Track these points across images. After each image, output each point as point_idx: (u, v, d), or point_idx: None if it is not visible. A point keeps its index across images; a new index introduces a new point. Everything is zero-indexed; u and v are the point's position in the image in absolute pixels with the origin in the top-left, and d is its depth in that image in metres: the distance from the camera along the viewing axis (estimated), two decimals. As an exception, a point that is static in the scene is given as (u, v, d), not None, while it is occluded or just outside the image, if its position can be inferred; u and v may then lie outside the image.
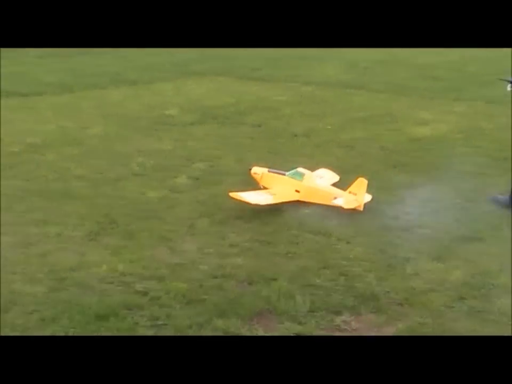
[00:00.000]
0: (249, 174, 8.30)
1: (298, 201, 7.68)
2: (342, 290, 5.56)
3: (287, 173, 8.07)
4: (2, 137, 10.77)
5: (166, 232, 6.73)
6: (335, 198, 7.59)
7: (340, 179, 8.43)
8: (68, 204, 7.52)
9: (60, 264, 5.88)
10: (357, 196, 7.44)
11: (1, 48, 25.29)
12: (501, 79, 8.21)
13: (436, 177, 8.63)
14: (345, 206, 7.37)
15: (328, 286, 5.61)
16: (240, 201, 7.28)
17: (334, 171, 8.78)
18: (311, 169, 8.32)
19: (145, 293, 5.37)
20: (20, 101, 14.65)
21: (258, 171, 8.20)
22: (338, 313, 5.16)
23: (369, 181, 7.65)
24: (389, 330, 4.94)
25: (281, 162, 9.40)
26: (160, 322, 4.92)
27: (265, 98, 15.53)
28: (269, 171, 8.17)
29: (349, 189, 7.55)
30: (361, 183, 7.46)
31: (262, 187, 8.09)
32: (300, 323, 4.99)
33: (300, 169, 8.12)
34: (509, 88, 7.73)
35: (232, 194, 7.36)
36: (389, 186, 8.27)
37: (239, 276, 5.78)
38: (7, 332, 4.70)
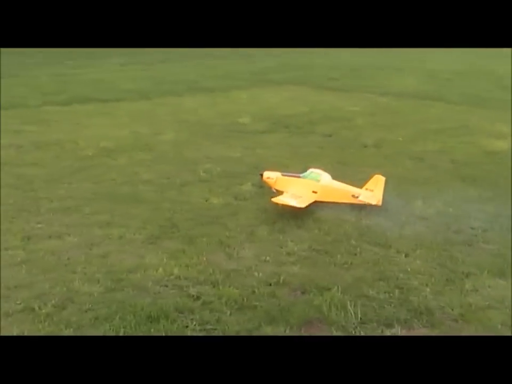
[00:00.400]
0: (261, 179, 8.28)
1: (316, 201, 7.70)
2: (395, 303, 5.47)
3: (301, 175, 8.12)
4: (78, 141, 11.13)
5: (225, 238, 6.78)
6: (353, 195, 7.70)
7: (405, 189, 8.36)
8: (133, 207, 7.67)
9: (119, 266, 6.01)
10: (374, 191, 7.64)
11: (87, 57, 26.24)
12: None
13: (506, 192, 8.39)
14: (366, 201, 7.52)
15: (382, 298, 5.53)
16: (284, 205, 7.41)
17: (402, 182, 8.69)
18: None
19: (197, 297, 5.43)
20: (99, 106, 15.09)
21: (271, 175, 8.19)
22: (389, 325, 5.09)
23: (436, 193, 7.55)
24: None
25: (350, 172, 9.39)
26: (209, 327, 4.97)
27: (339, 108, 15.47)
28: (282, 175, 8.20)
29: (366, 186, 7.75)
30: (377, 180, 7.69)
31: (275, 191, 8.08)
32: (349, 334, 4.93)
33: (315, 170, 8.15)
34: None
35: (274, 199, 7.49)
36: (455, 199, 8.08)
37: (293, 284, 5.77)
38: (61, 328, 4.84)
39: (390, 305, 5.43)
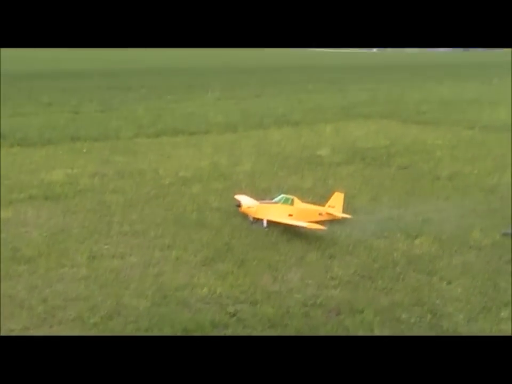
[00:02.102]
0: (238, 210, 8.65)
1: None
2: (425, 327, 5.62)
3: (274, 200, 8.67)
4: (158, 171, 11.78)
5: (275, 262, 7.12)
6: (320, 213, 8.63)
7: (465, 220, 8.50)
8: (195, 232, 8.13)
9: (168, 284, 6.46)
10: (335, 207, 8.74)
11: (187, 91, 27.25)
12: None
13: None
14: (339, 215, 8.62)
15: (412, 322, 5.70)
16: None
17: (465, 213, 8.91)
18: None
19: (234, 314, 5.78)
20: (186, 138, 15.83)
21: (251, 204, 8.60)
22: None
23: (496, 225, 7.82)
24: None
25: (415, 202, 9.61)
26: (239, 341, 5.28)
27: (421, 141, 15.54)
28: (260, 203, 8.62)
29: (328, 204, 8.79)
30: (338, 197, 8.79)
31: (252, 219, 8.48)
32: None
33: (285, 195, 8.67)
34: None
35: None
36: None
37: (329, 306, 6.02)
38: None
39: (419, 329, 5.59)
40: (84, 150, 14.07)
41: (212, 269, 6.91)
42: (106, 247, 7.61)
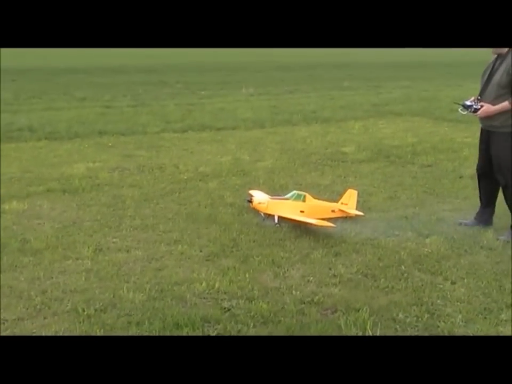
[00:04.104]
0: (249, 206, 8.54)
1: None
2: (420, 327, 5.53)
3: (287, 196, 8.56)
4: (179, 166, 11.84)
5: (279, 258, 7.08)
6: (332, 210, 8.54)
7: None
8: (204, 227, 8.13)
9: (169, 278, 6.47)
10: (348, 204, 8.60)
11: (221, 87, 27.38)
12: (455, 103, 8.52)
13: None
14: (352, 213, 8.52)
15: (408, 322, 5.61)
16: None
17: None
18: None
19: (228, 310, 5.77)
20: (212, 134, 15.87)
21: (262, 200, 8.45)
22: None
23: None
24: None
25: (432, 201, 9.50)
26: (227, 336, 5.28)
27: (450, 139, 15.33)
28: (271, 198, 8.52)
29: (341, 201, 8.65)
30: (351, 193, 8.63)
31: (264, 215, 8.37)
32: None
33: (297, 192, 8.57)
34: (461, 111, 8.19)
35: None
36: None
37: (326, 304, 5.97)
38: (95, 328, 5.35)
39: (414, 329, 5.50)
40: (110, 144, 14.21)
41: (214, 264, 6.90)
42: (114, 240, 7.66)
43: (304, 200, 8.48)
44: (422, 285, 6.42)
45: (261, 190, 9.38)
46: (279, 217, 8.24)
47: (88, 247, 7.32)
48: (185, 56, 50.72)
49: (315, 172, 11.65)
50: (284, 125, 17.43)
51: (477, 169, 8.52)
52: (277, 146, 14.22)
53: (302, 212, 8.35)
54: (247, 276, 6.57)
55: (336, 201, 8.80)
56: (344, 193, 8.81)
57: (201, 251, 7.31)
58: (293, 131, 16.58)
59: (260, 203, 8.42)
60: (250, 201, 8.52)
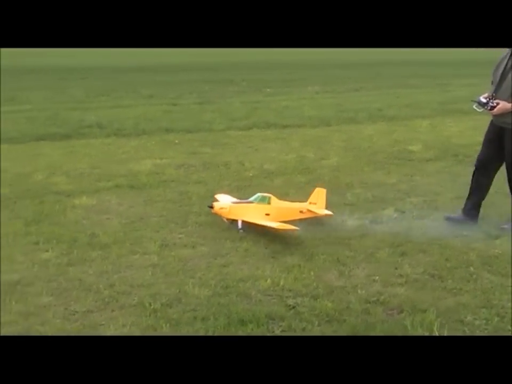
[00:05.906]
0: (212, 212, 8.12)
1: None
2: (489, 330, 5.41)
3: (251, 199, 8.19)
4: (244, 163, 11.89)
5: (344, 257, 7.03)
6: (301, 211, 8.12)
7: None
8: (270, 224, 8.12)
9: (234, 274, 6.51)
10: (317, 204, 8.18)
11: (286, 85, 27.40)
12: (472, 100, 8.50)
13: None
14: (321, 213, 8.13)
15: (477, 324, 5.50)
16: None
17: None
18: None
19: (293, 307, 5.77)
20: (277, 132, 15.87)
21: (224, 205, 8.07)
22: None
23: None
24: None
25: (503, 202, 9.25)
26: (293, 334, 5.27)
27: (520, 138, 14.90)
28: (233, 203, 8.16)
29: (309, 200, 8.24)
30: (319, 192, 8.22)
31: (226, 220, 8.04)
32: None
33: (261, 194, 8.18)
34: (476, 108, 8.29)
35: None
36: None
37: (392, 304, 5.90)
38: (161, 323, 5.42)
39: (483, 332, 5.38)
40: (176, 141, 14.38)
41: (280, 262, 6.91)
42: (180, 236, 7.75)
43: (269, 203, 8.11)
44: (492, 287, 6.29)
45: (326, 188, 9.30)
46: (242, 222, 7.91)
47: (155, 242, 7.42)
48: (251, 54, 50.87)
49: (381, 171, 11.52)
50: (348, 123, 17.31)
51: (477, 161, 8.42)
52: (342, 144, 14.14)
53: (267, 214, 7.98)
54: (311, 274, 6.56)
55: (305, 201, 8.37)
56: (312, 192, 8.36)
57: (266, 248, 7.32)
58: (358, 129, 16.44)
59: (221, 208, 8.06)
60: (211, 207, 8.12)
